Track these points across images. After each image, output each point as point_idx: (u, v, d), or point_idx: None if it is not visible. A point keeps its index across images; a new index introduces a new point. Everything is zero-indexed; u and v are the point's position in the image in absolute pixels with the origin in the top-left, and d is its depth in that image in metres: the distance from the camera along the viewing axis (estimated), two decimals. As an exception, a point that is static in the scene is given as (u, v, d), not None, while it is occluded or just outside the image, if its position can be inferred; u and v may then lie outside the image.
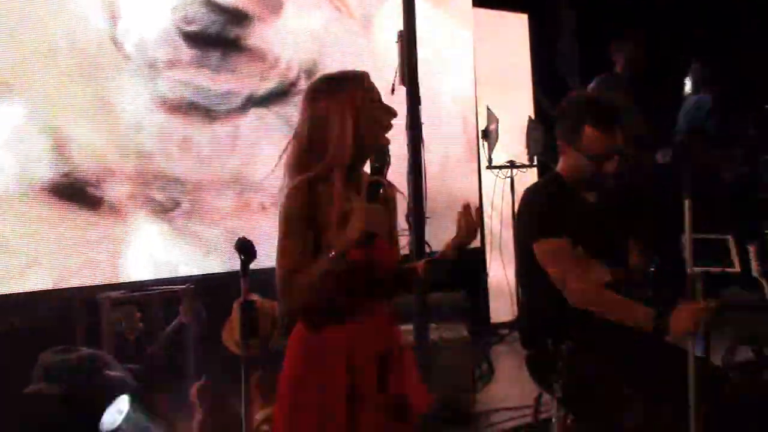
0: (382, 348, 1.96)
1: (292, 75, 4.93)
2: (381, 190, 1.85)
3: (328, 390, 1.89)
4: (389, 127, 1.96)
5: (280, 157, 1.98)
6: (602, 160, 2.51)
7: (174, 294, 4.22)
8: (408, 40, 3.88)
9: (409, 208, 3.78)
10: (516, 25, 6.33)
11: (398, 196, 2.13)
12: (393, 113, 1.96)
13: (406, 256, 3.16)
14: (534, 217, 2.54)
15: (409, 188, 3.76)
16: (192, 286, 4.27)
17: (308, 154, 1.93)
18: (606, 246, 2.53)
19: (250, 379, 2.70)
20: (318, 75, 2.12)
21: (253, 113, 4.77)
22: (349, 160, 1.91)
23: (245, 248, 3.06)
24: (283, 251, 1.87)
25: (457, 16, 5.87)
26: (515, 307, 5.63)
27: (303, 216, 1.88)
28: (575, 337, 2.44)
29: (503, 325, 5.69)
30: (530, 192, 2.64)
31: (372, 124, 1.92)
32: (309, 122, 1.94)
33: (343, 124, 1.89)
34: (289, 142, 2.00)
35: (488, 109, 5.67)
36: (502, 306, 5.82)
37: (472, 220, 1.98)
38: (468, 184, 5.83)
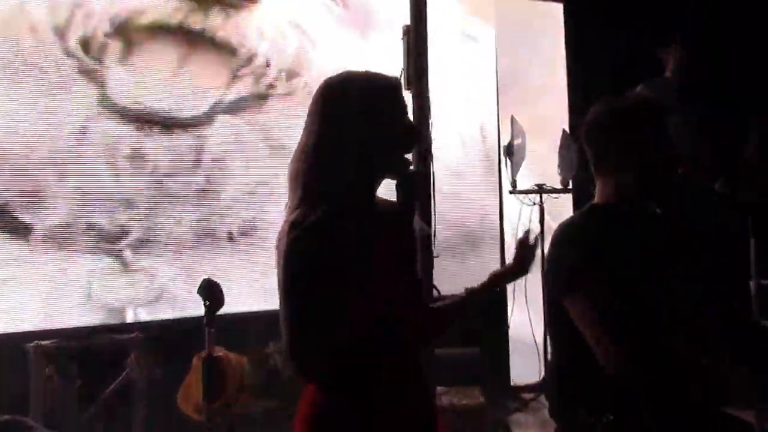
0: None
1: (270, 76, 5.00)
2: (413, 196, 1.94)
3: None
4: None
5: (286, 205, 1.98)
6: (659, 178, 2.56)
7: (120, 344, 4.25)
8: (416, 36, 3.98)
9: None
10: (549, 17, 6.40)
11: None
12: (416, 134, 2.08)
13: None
14: (565, 264, 2.51)
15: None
16: (142, 336, 4.33)
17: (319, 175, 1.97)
18: (665, 295, 2.55)
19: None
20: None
21: (221, 122, 4.84)
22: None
23: (211, 292, 3.10)
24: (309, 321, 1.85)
25: (476, 6, 5.95)
26: (543, 368, 5.63)
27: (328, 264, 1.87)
28: (616, 409, 2.45)
29: (527, 388, 5.74)
30: (562, 231, 2.63)
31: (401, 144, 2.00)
32: (322, 134, 1.98)
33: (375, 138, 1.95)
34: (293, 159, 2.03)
35: (513, 120, 5.70)
36: (527, 366, 5.82)
37: (530, 249, 2.10)
38: (486, 213, 5.88)
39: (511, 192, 5.76)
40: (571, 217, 2.75)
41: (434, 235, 4.14)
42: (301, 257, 1.85)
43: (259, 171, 4.92)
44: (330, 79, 2.03)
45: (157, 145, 4.65)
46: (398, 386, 1.96)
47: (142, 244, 4.57)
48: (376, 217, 1.96)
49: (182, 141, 4.72)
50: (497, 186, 6.00)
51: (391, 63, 4.18)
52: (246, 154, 4.83)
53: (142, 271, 4.57)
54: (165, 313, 4.57)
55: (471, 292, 2.22)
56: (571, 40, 6.35)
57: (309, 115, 2.01)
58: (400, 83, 2.05)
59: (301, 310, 1.84)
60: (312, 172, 1.94)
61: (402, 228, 1.91)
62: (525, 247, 2.10)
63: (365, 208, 1.97)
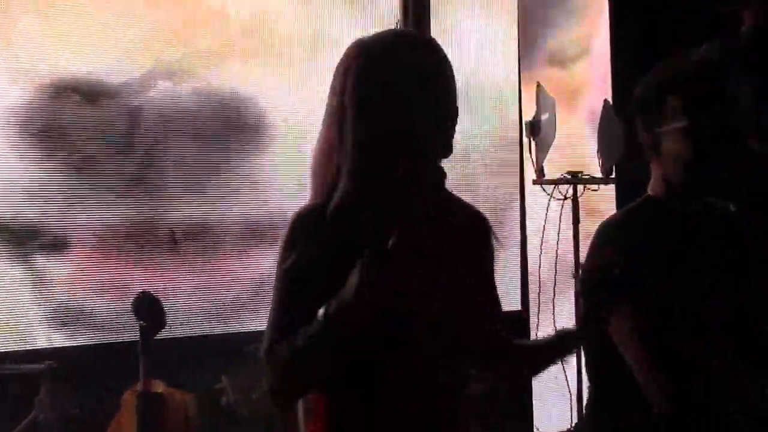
0: None
1: (229, 29, 5.06)
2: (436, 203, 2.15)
3: None
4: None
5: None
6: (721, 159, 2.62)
7: (27, 377, 4.26)
8: None
9: None
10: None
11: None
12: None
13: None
14: (606, 274, 2.49)
15: None
16: (55, 366, 4.31)
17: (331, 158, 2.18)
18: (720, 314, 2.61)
19: None
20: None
21: (162, 87, 4.87)
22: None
23: (148, 310, 3.09)
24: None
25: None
26: (576, 412, 5.62)
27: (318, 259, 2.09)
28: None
29: (557, 437, 5.77)
30: (603, 232, 2.70)
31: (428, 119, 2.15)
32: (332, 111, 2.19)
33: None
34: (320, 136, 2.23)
35: (540, 88, 5.72)
36: (555, 408, 5.84)
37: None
38: (503, 208, 5.89)
39: (536, 182, 5.78)
40: (616, 215, 2.82)
41: None
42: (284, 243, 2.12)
43: (212, 154, 4.95)
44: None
45: (75, 120, 4.67)
46: (405, 383, 2.14)
47: (57, 248, 4.56)
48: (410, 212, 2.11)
49: (107, 113, 4.75)
50: (518, 173, 6.02)
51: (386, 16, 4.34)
52: (190, 122, 4.89)
53: (57, 282, 4.57)
54: (86, 336, 4.57)
55: (564, 336, 2.40)
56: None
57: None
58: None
59: (274, 301, 2.10)
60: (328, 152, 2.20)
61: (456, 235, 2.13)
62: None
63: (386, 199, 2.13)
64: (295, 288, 2.08)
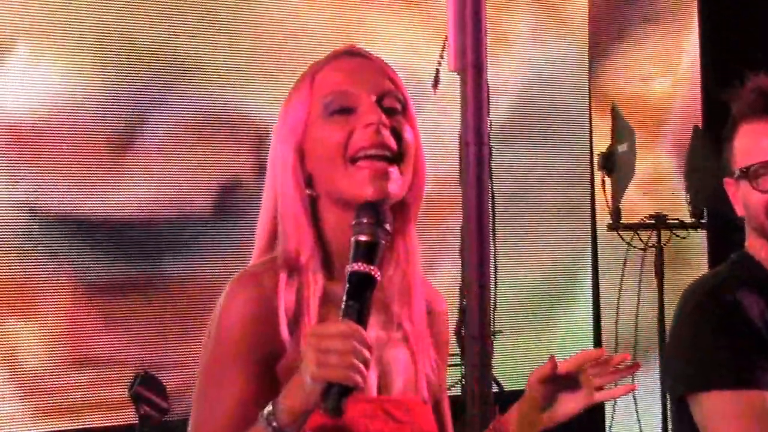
0: None
1: None
2: (373, 281, 1.92)
3: None
4: (377, 156, 1.99)
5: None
6: None
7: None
8: None
9: (462, 315, 4.07)
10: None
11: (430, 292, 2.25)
12: (377, 123, 1.98)
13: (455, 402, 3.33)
14: (694, 349, 2.58)
15: (464, 271, 4.03)
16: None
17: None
18: None
19: None
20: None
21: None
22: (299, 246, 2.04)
23: (151, 392, 3.15)
24: (199, 413, 2.01)
25: None
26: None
27: (247, 346, 1.99)
28: None
29: None
30: (689, 299, 2.64)
31: (327, 158, 2.02)
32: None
33: (283, 166, 2.05)
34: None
35: (616, 111, 5.63)
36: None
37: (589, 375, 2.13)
38: (571, 258, 5.85)
39: (611, 227, 5.66)
40: (705, 277, 2.80)
41: (493, 299, 4.18)
42: (219, 332, 2.01)
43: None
44: None
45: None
46: None
47: None
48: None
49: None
50: (589, 216, 5.98)
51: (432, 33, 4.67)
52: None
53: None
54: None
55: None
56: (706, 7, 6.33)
57: None
58: (347, 50, 2.11)
59: (200, 412, 2.00)
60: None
61: (360, 294, 1.91)
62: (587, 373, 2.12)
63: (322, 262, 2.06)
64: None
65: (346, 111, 1.99)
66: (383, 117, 1.97)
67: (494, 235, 4.31)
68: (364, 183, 1.94)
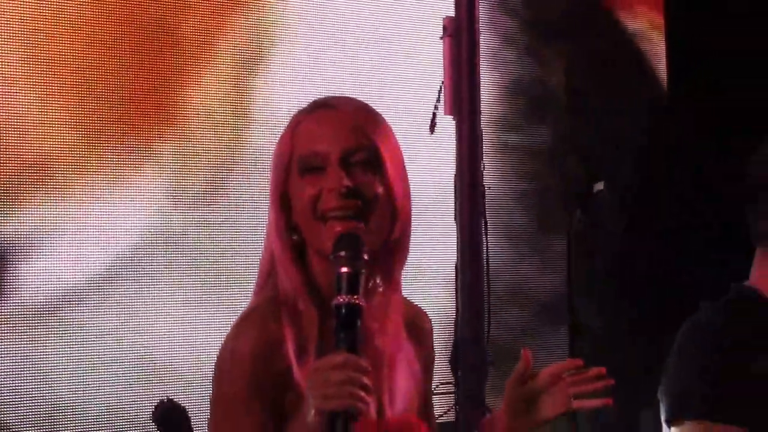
0: None
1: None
2: (359, 309, 1.98)
3: None
4: (342, 216, 2.10)
5: None
6: None
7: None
8: (468, 30, 4.14)
9: (456, 345, 4.03)
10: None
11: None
12: (338, 188, 2.10)
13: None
14: (678, 378, 2.61)
15: (457, 302, 4.00)
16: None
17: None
18: None
19: None
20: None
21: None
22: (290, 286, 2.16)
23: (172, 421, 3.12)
24: None
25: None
26: None
27: (257, 382, 2.08)
28: None
29: None
30: (685, 331, 2.65)
31: (303, 214, 2.15)
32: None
33: (271, 218, 2.20)
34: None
35: None
36: None
37: (561, 384, 2.16)
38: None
39: None
40: (701, 311, 2.74)
41: (487, 329, 4.21)
42: (222, 375, 2.12)
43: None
44: None
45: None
46: None
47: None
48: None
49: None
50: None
51: (426, 75, 4.51)
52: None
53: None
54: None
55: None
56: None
57: None
58: (322, 104, 2.22)
59: (214, 420, 2.10)
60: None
61: (348, 323, 2.00)
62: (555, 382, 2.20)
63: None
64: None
65: (317, 170, 2.10)
66: (345, 180, 2.07)
67: (488, 269, 4.26)
68: (333, 240, 2.05)
